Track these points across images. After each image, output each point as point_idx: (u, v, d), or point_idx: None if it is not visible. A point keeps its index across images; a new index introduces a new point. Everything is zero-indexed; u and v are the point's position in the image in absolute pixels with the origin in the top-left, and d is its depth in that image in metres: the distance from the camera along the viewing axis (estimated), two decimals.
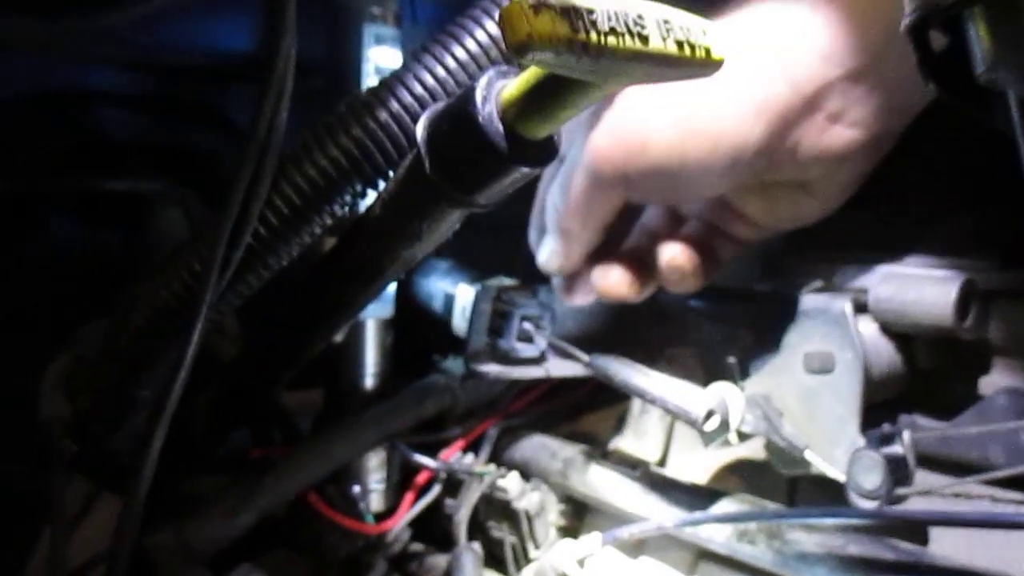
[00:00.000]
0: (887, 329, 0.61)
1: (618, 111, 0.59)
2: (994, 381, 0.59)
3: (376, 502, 0.79)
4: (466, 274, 0.84)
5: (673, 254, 0.63)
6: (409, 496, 0.79)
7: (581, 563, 0.69)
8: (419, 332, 0.84)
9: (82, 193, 0.84)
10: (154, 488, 0.52)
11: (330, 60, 0.78)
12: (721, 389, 0.63)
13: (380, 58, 0.78)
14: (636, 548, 0.73)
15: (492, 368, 0.75)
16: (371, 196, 0.53)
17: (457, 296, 0.80)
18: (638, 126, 0.58)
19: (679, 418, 0.61)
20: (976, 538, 0.57)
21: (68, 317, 0.69)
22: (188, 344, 0.47)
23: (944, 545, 0.58)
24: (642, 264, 0.66)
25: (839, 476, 0.58)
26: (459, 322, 0.80)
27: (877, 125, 0.57)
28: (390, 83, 0.51)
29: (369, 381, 0.81)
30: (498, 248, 0.91)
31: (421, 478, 0.80)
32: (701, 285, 0.65)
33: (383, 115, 0.50)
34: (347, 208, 0.53)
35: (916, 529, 0.59)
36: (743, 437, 0.63)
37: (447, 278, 0.84)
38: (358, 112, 0.50)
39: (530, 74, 0.41)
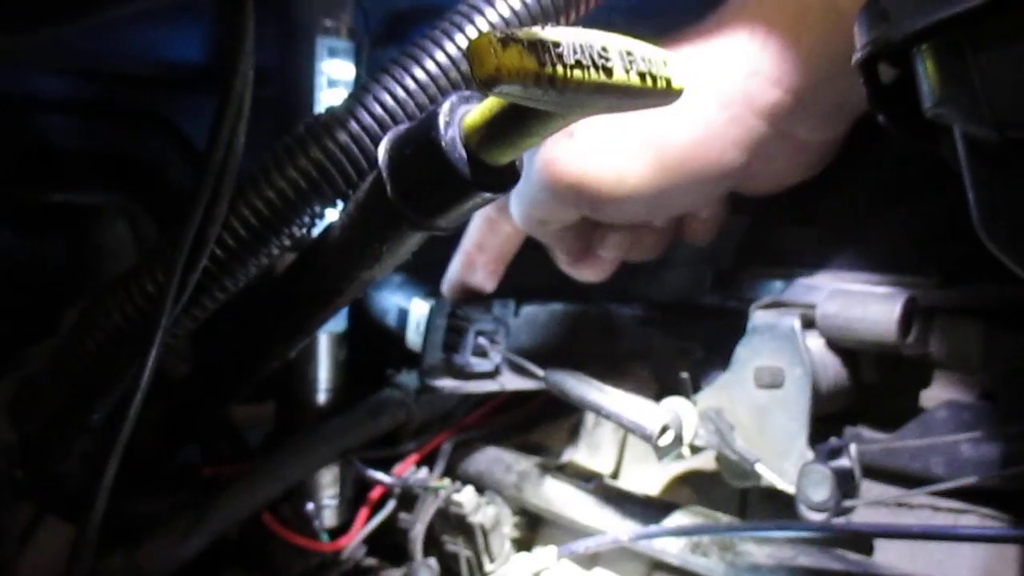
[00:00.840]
0: (834, 345, 0.63)
1: (586, 141, 0.60)
2: (935, 395, 0.61)
3: (330, 519, 0.79)
4: (420, 288, 0.84)
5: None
6: (364, 512, 0.79)
7: None
8: (373, 347, 0.84)
9: (23, 204, 0.82)
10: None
11: (282, 71, 0.77)
12: (674, 404, 0.64)
13: (333, 71, 0.78)
14: (590, 560, 0.74)
15: (447, 383, 0.75)
16: (330, 216, 0.53)
17: (411, 311, 0.80)
18: (611, 159, 0.60)
19: (634, 433, 0.62)
20: (919, 548, 0.59)
21: (6, 332, 0.67)
22: (144, 369, 0.47)
23: (889, 555, 0.60)
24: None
25: (789, 489, 0.59)
26: (413, 337, 0.80)
27: (825, 136, 0.61)
28: (350, 103, 0.50)
29: (322, 396, 0.80)
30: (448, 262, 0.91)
31: (375, 494, 0.79)
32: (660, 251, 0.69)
33: (343, 137, 0.50)
34: (306, 229, 0.52)
35: (862, 540, 0.61)
36: (696, 450, 0.65)
37: (401, 292, 0.84)
38: (318, 133, 0.50)
39: (493, 102, 0.41)
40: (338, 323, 0.81)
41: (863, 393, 0.64)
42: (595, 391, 0.66)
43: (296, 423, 0.79)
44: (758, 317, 0.64)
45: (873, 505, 0.60)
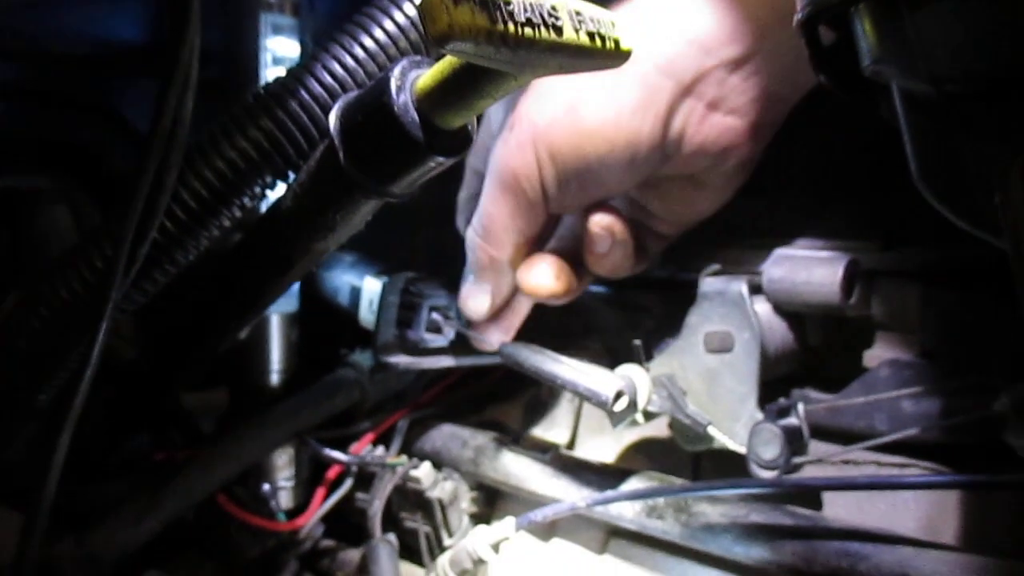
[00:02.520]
0: (780, 309, 0.65)
1: (521, 124, 0.60)
2: (877, 354, 0.63)
3: (286, 499, 0.78)
4: (372, 267, 0.83)
5: (602, 219, 0.63)
6: (320, 492, 0.78)
7: (496, 548, 0.70)
8: (325, 326, 0.83)
9: None
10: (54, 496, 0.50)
11: (227, 49, 0.76)
12: (628, 371, 0.65)
13: (278, 48, 0.77)
14: (548, 530, 0.75)
15: (402, 359, 0.75)
16: (281, 188, 0.53)
17: (364, 289, 0.80)
18: (543, 135, 0.59)
19: (589, 400, 0.63)
20: (865, 501, 0.61)
21: None
22: (93, 345, 0.46)
23: (837, 509, 0.62)
24: (568, 258, 0.66)
25: (740, 449, 0.61)
26: (366, 315, 0.79)
27: (756, 114, 0.60)
28: (298, 73, 0.50)
29: (275, 378, 0.80)
30: (401, 239, 0.91)
31: (332, 473, 0.79)
32: (632, 269, 0.67)
33: (293, 105, 0.49)
34: (256, 200, 0.52)
35: (811, 495, 0.63)
36: (649, 416, 0.66)
37: (352, 271, 0.83)
38: (266, 103, 0.50)
39: (445, 64, 0.42)
40: (289, 303, 0.81)
41: (809, 355, 0.66)
42: (550, 361, 0.66)
43: (249, 405, 0.78)
44: (707, 284, 0.66)
45: (820, 462, 0.62)
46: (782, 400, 0.61)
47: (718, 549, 0.61)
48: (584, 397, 0.63)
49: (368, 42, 0.50)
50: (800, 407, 0.60)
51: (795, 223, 0.67)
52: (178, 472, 0.69)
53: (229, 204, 0.51)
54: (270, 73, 0.76)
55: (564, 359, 0.66)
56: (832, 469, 0.63)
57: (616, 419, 0.64)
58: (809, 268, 0.63)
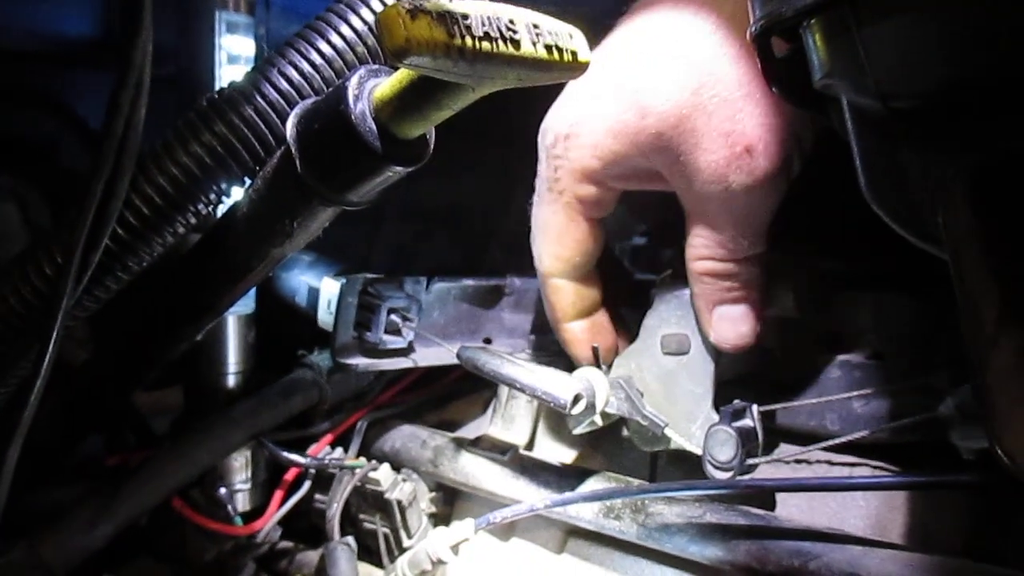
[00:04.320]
0: None
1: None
2: (829, 356, 0.64)
3: (243, 502, 0.77)
4: (330, 267, 0.83)
5: None
6: (278, 494, 0.78)
7: (455, 549, 0.71)
8: (283, 327, 0.83)
9: None
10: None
11: (181, 48, 0.74)
12: (586, 374, 0.65)
13: (232, 46, 0.76)
14: (507, 531, 0.76)
15: (360, 361, 0.75)
16: (237, 193, 0.52)
17: (322, 290, 0.79)
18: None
19: (548, 404, 0.63)
20: (817, 500, 0.63)
21: None
22: (45, 354, 0.45)
23: (790, 508, 0.63)
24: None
25: (696, 450, 0.62)
26: (325, 316, 0.79)
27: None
28: (254, 78, 0.49)
29: (231, 379, 0.79)
30: (359, 239, 0.91)
31: (290, 475, 0.79)
32: None
33: (248, 111, 0.49)
34: (212, 206, 0.51)
35: (765, 495, 0.64)
36: (607, 418, 0.67)
37: (310, 272, 0.83)
38: (222, 107, 0.49)
39: (403, 75, 0.41)
40: (246, 305, 0.80)
41: (763, 357, 0.67)
42: (508, 365, 0.66)
43: (205, 407, 0.77)
44: (664, 287, 0.67)
45: (774, 462, 0.63)
46: (737, 402, 0.62)
47: (674, 549, 0.62)
48: (542, 400, 0.63)
49: (325, 48, 0.50)
50: (754, 409, 0.61)
51: None
52: (132, 476, 0.68)
53: (184, 210, 0.50)
54: (225, 72, 0.75)
55: (521, 362, 0.66)
56: (785, 469, 0.65)
57: (574, 422, 0.65)
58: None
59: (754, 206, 0.56)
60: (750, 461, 0.60)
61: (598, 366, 0.66)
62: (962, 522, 0.57)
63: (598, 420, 0.66)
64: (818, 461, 0.64)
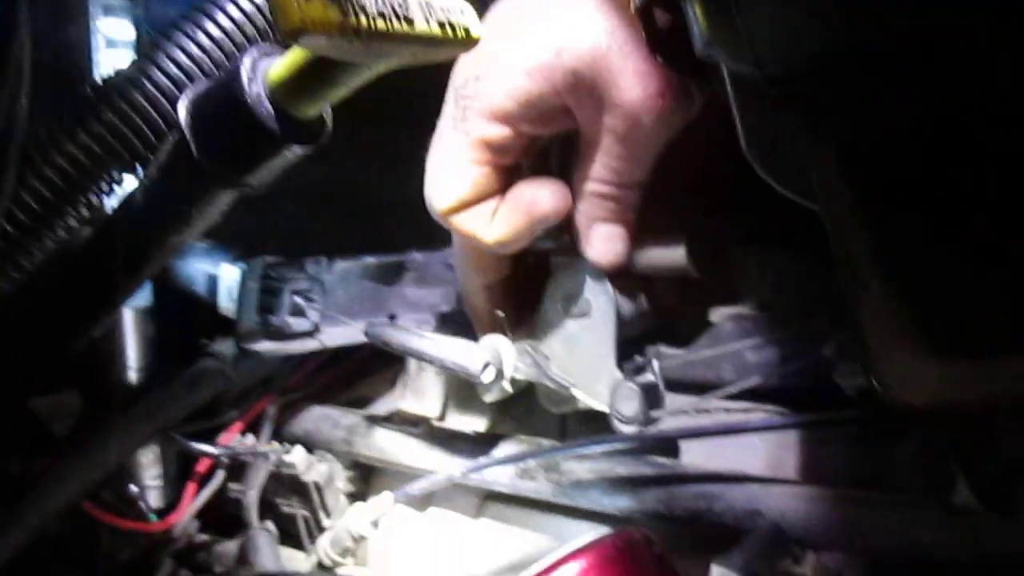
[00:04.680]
0: (632, 273, 0.69)
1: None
2: (722, 310, 0.68)
3: (156, 499, 0.76)
4: (227, 253, 0.82)
5: None
6: (191, 487, 0.77)
7: (375, 524, 0.72)
8: (183, 318, 0.81)
9: None
10: None
11: (55, 32, 0.71)
12: (493, 341, 0.67)
13: (110, 30, 0.73)
14: (424, 501, 0.77)
15: (266, 345, 0.74)
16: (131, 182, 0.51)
17: (221, 276, 0.78)
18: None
19: (458, 374, 0.65)
20: (717, 446, 0.66)
21: None
22: None
23: (693, 456, 0.67)
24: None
25: (603, 408, 0.64)
26: (226, 303, 0.78)
27: None
28: (141, 63, 0.48)
29: (133, 375, 0.77)
30: (251, 222, 0.89)
31: (202, 467, 0.78)
32: None
33: (137, 97, 0.48)
34: (105, 196, 0.50)
35: (669, 445, 0.68)
36: (516, 384, 0.68)
37: (207, 259, 0.81)
38: (108, 96, 0.48)
39: (298, 55, 0.42)
40: (143, 297, 0.78)
41: (661, 314, 0.70)
42: (416, 338, 0.67)
43: (108, 406, 0.75)
44: (563, 253, 0.68)
45: (676, 413, 0.66)
46: (638, 358, 0.65)
47: (587, 503, 0.65)
48: (452, 371, 0.65)
49: (213, 29, 0.49)
50: (655, 364, 0.64)
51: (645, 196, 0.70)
52: (38, 482, 0.66)
53: (75, 202, 0.49)
54: (103, 57, 0.72)
55: (430, 335, 0.67)
56: (686, 418, 0.68)
57: (485, 389, 0.67)
58: (657, 235, 0.67)
59: (653, 141, 0.59)
60: (654, 413, 0.63)
61: (504, 333, 0.68)
62: (848, 454, 0.62)
63: (508, 387, 0.67)
64: (717, 409, 0.68)
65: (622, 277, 0.68)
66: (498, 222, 0.63)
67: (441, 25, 0.40)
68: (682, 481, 0.62)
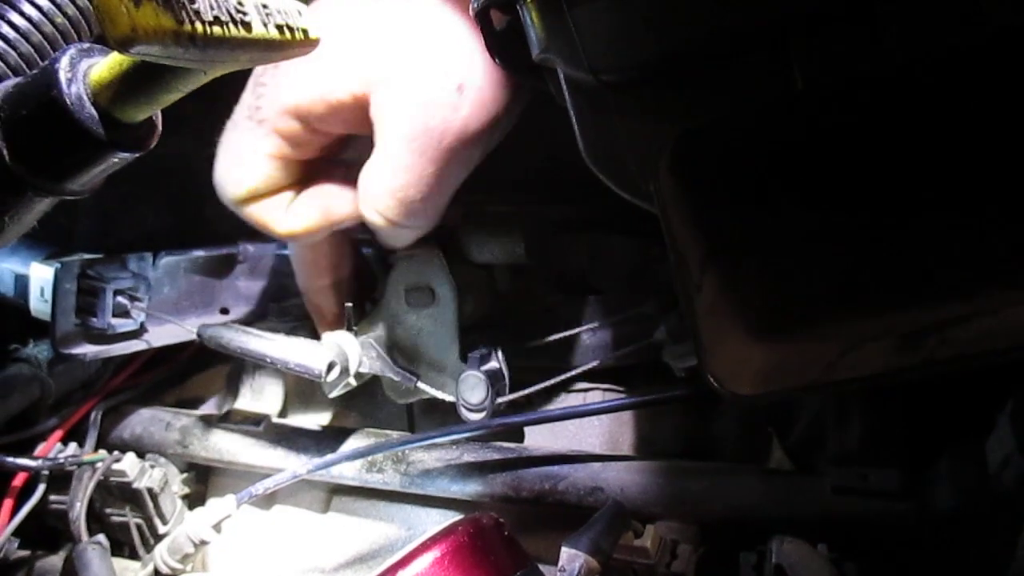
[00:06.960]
0: (470, 261, 0.70)
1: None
2: (557, 295, 0.71)
3: None
4: (33, 250, 0.75)
5: None
6: (8, 504, 0.71)
7: (217, 527, 0.69)
8: None
9: None
10: None
11: None
12: (336, 338, 0.66)
13: None
14: (269, 500, 0.75)
15: (88, 349, 0.70)
16: None
17: (31, 276, 0.72)
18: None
19: (302, 375, 0.63)
20: (558, 428, 0.69)
21: None
22: None
23: (536, 438, 0.69)
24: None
25: (449, 397, 0.65)
26: (38, 304, 0.72)
27: None
28: None
29: None
30: (57, 213, 0.82)
31: (18, 481, 0.72)
32: None
33: None
34: None
35: (514, 431, 0.70)
36: (361, 378, 0.68)
37: (14, 257, 0.75)
38: None
39: (124, 58, 0.39)
40: None
41: (500, 300, 0.72)
42: (255, 340, 0.64)
43: None
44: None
45: (520, 398, 0.68)
46: (482, 347, 0.67)
47: (437, 491, 0.66)
48: (296, 373, 0.63)
49: (17, 19, 0.45)
50: (499, 352, 0.66)
51: (477, 185, 0.71)
52: None
53: None
54: None
55: (268, 335, 0.65)
56: (531, 404, 0.70)
57: (330, 387, 0.66)
58: (495, 223, 0.68)
59: (446, 148, 0.56)
60: (499, 400, 0.65)
61: (350, 328, 0.67)
62: (678, 429, 0.67)
63: (352, 381, 0.67)
64: (557, 392, 0.70)
65: (462, 267, 0.69)
66: (293, 216, 0.61)
67: (280, 28, 0.39)
68: (528, 464, 0.64)
